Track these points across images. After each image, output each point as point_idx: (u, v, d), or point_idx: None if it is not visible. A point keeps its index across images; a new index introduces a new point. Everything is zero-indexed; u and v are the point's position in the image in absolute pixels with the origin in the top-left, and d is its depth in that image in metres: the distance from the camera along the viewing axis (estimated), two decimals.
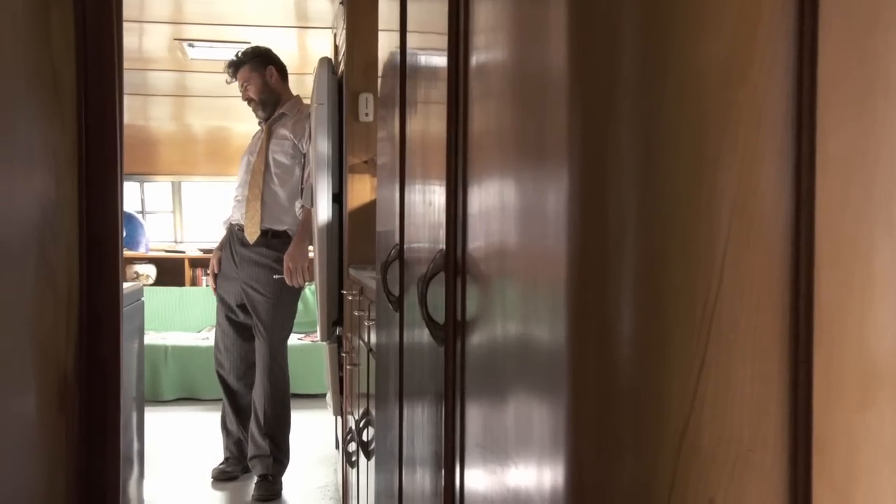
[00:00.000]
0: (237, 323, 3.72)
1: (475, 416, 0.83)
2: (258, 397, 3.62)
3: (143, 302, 3.14)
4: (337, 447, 3.83)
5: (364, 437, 2.13)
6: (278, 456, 3.62)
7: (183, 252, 6.62)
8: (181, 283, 6.48)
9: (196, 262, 6.54)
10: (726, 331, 0.49)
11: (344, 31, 3.22)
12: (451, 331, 0.93)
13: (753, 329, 0.49)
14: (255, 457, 3.61)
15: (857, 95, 0.49)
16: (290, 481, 3.73)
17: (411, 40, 1.29)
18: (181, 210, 6.81)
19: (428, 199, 1.08)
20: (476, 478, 0.82)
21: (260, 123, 3.77)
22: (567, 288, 0.55)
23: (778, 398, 0.49)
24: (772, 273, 0.49)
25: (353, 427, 2.33)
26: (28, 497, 1.24)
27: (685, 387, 0.50)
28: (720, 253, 0.49)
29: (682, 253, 0.50)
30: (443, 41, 0.96)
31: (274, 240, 3.63)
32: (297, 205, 3.63)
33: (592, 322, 0.53)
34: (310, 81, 3.54)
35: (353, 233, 3.13)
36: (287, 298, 3.69)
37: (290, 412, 3.72)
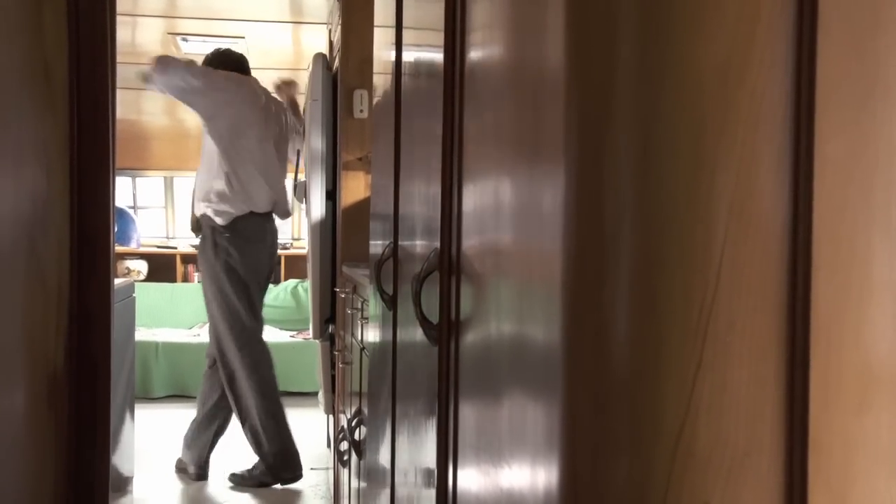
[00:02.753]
0: None
1: (469, 417, 0.83)
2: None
3: (134, 298, 3.13)
4: (329, 446, 3.82)
5: (356, 436, 2.13)
6: (261, 452, 3.57)
7: (175, 248, 6.59)
8: (173, 279, 6.45)
9: (188, 258, 6.51)
10: (723, 333, 0.49)
11: (339, 27, 3.21)
12: (445, 330, 0.93)
13: (750, 332, 0.49)
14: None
15: (857, 98, 0.48)
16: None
17: (407, 37, 1.29)
18: (173, 205, 6.78)
19: (423, 198, 1.08)
20: (469, 478, 0.82)
21: None
22: (563, 288, 0.54)
23: (774, 401, 0.49)
24: (769, 275, 0.49)
25: (346, 426, 2.32)
26: (17, 494, 1.23)
27: (681, 389, 0.49)
28: (717, 255, 0.49)
29: (679, 254, 0.50)
30: (439, 38, 0.95)
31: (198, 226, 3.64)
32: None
33: (588, 323, 0.53)
34: (304, 77, 3.53)
35: (346, 230, 3.13)
36: (216, 290, 3.50)
37: (232, 410, 3.57)
